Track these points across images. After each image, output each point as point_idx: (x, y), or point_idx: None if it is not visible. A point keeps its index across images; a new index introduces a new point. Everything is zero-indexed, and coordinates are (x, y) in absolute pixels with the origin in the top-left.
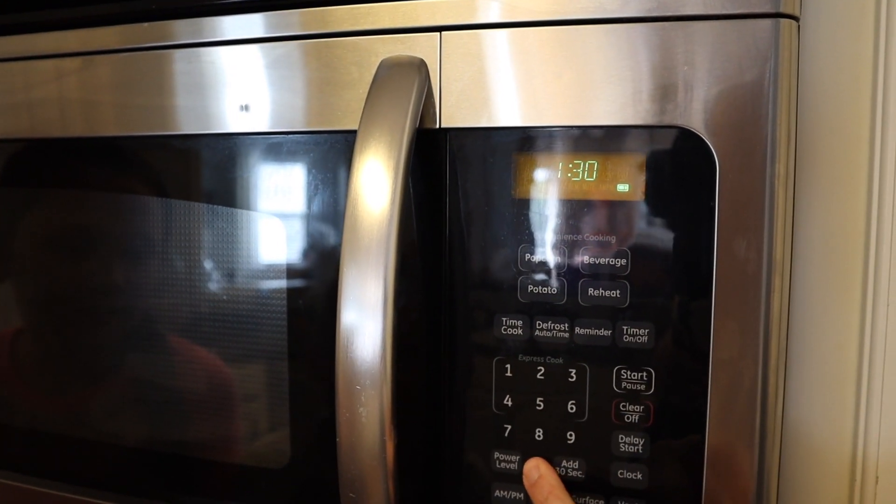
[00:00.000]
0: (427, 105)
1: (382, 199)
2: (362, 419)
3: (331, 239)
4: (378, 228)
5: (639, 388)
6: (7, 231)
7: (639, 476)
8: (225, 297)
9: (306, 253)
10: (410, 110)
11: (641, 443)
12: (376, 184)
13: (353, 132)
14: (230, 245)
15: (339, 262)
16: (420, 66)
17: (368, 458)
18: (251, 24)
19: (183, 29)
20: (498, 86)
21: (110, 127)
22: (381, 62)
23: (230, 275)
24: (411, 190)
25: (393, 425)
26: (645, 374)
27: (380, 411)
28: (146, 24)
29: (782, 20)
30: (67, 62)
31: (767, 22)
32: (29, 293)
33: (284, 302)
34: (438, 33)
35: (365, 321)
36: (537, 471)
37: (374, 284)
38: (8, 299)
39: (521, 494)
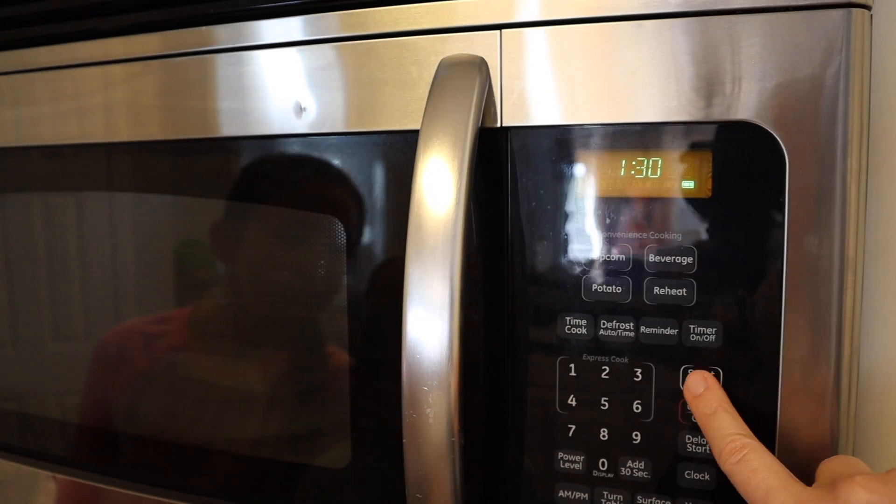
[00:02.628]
0: (488, 104)
1: (447, 198)
2: (429, 420)
3: (391, 238)
4: (443, 228)
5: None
6: (65, 235)
7: (706, 477)
8: (285, 298)
9: (366, 253)
10: (473, 109)
11: (707, 443)
12: (440, 183)
13: (413, 132)
14: (289, 246)
15: (403, 263)
16: (481, 65)
17: (436, 459)
18: (310, 25)
19: (237, 33)
20: (560, 83)
21: (167, 131)
22: (441, 61)
23: (290, 276)
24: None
25: (460, 426)
26: (712, 373)
27: (447, 412)
28: (216, 28)
29: (854, 10)
30: (117, 68)
31: (838, 12)
32: (88, 296)
33: (345, 302)
34: (498, 31)
35: (431, 322)
36: (704, 383)
37: (440, 285)
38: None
39: (586, 495)
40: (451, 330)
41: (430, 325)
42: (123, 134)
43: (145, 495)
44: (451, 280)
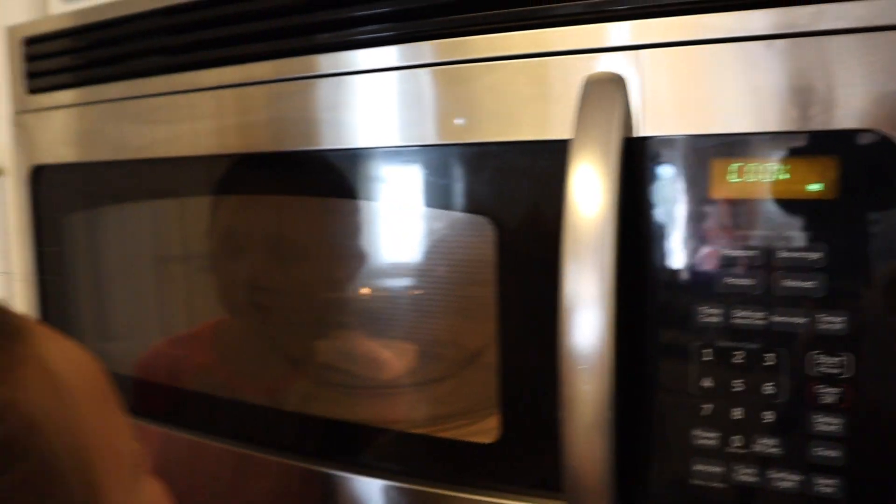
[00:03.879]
0: (627, 116)
1: (599, 202)
2: (586, 396)
3: (535, 234)
4: (595, 229)
5: (835, 371)
6: (216, 233)
7: (836, 454)
8: (442, 289)
9: (514, 248)
10: (618, 122)
11: (838, 423)
12: (592, 188)
13: (556, 141)
14: (443, 242)
15: (547, 256)
16: (621, 81)
17: (591, 432)
18: (477, 46)
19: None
20: (692, 97)
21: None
22: (587, 78)
23: (445, 268)
24: None
25: (613, 402)
26: (842, 358)
27: (601, 389)
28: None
29: None
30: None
31: None
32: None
33: (495, 292)
34: (636, 51)
35: (588, 312)
36: None
37: (595, 279)
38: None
39: (719, 469)
40: (605, 318)
41: (586, 315)
42: (289, 145)
43: (308, 465)
44: (605, 274)
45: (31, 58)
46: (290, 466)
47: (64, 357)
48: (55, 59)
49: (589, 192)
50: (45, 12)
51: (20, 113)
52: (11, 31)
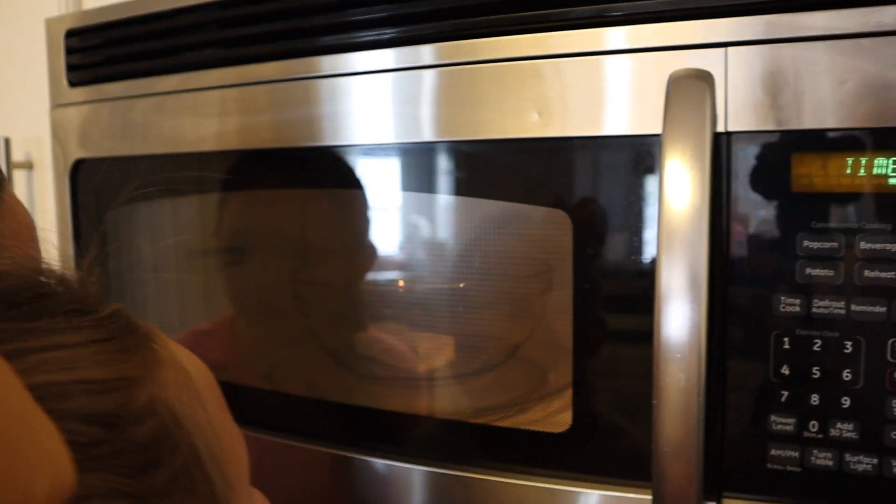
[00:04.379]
0: (714, 112)
1: (691, 197)
2: (681, 384)
3: (615, 227)
4: (689, 223)
5: None
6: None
7: None
8: (517, 279)
9: (589, 241)
10: (708, 117)
11: None
12: (684, 183)
13: (641, 136)
14: (517, 235)
15: (628, 249)
16: (709, 78)
17: (685, 417)
18: (560, 42)
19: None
20: (777, 94)
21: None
22: (674, 74)
23: (520, 260)
24: None
25: (705, 388)
26: None
27: (694, 378)
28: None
29: None
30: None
31: None
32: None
33: (571, 283)
34: (724, 49)
35: (682, 302)
36: None
37: (689, 271)
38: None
39: (797, 453)
40: (700, 309)
41: (680, 306)
42: (350, 139)
43: (381, 460)
44: (699, 267)
45: (70, 51)
46: (343, 457)
47: (189, 361)
48: (97, 52)
49: (682, 187)
50: (80, 5)
51: (60, 106)
52: (51, 23)
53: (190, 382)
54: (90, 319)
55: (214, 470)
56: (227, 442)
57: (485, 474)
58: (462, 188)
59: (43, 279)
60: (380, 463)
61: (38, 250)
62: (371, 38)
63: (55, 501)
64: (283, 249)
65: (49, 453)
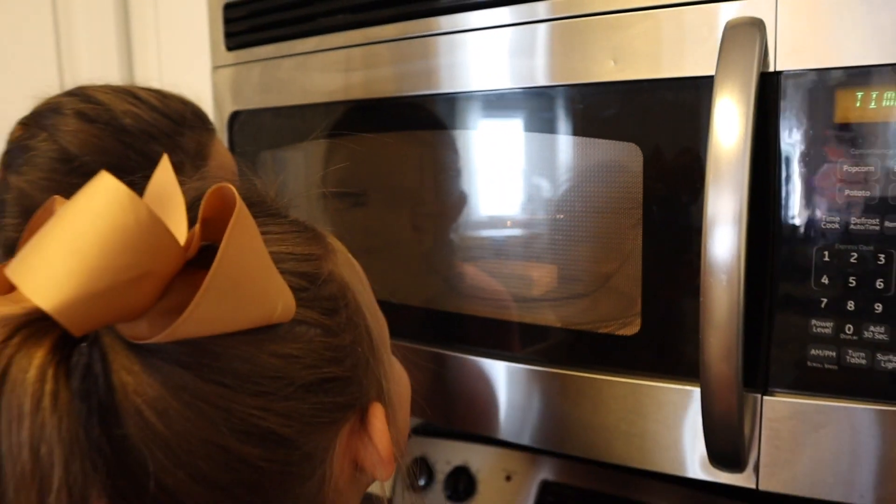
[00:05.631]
0: (764, 54)
1: (737, 132)
2: (722, 300)
3: (678, 158)
4: (735, 156)
5: None
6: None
7: None
8: (594, 207)
9: (660, 172)
10: (756, 59)
11: None
12: (731, 120)
13: (702, 77)
14: (599, 167)
15: (688, 179)
16: (760, 24)
17: (725, 330)
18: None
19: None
20: (822, 35)
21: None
22: (728, 22)
23: (598, 187)
24: None
25: (744, 302)
26: None
27: (734, 294)
28: None
29: None
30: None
31: None
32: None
33: (640, 209)
34: None
35: (726, 229)
36: None
37: (733, 201)
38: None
39: (833, 353)
40: (740, 234)
41: (725, 231)
42: (464, 86)
43: (484, 359)
44: (742, 197)
45: (228, 20)
46: (449, 356)
47: (341, 246)
48: (249, 21)
49: (729, 124)
50: None
51: (218, 68)
52: None
53: (352, 264)
54: (285, 220)
55: (368, 326)
56: (373, 310)
57: (569, 370)
58: (553, 127)
59: (260, 192)
60: (479, 361)
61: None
62: None
63: (284, 319)
64: (403, 188)
65: (283, 287)
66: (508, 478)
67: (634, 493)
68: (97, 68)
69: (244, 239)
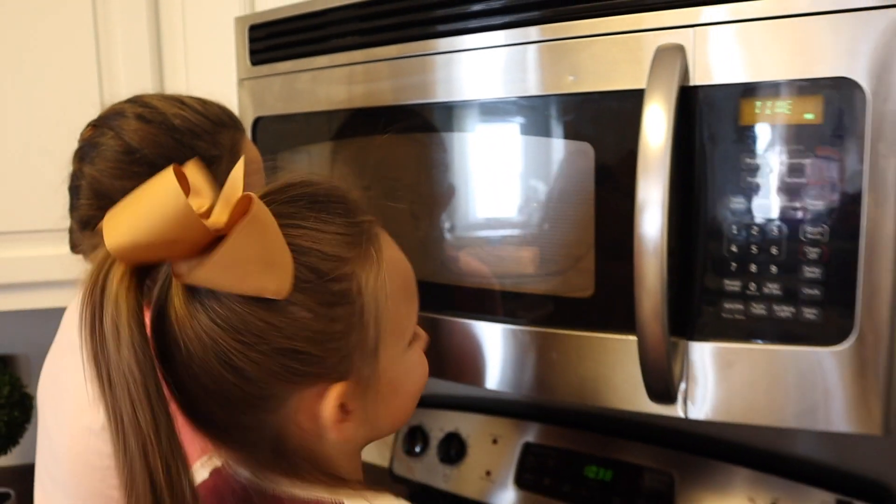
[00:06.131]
0: (685, 72)
1: (661, 132)
2: (652, 267)
3: (617, 153)
4: (660, 152)
5: (818, 238)
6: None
7: (817, 293)
8: (552, 192)
9: (608, 166)
10: (677, 76)
11: (819, 272)
12: (657, 122)
13: (640, 90)
14: (555, 163)
15: (628, 171)
16: (681, 49)
17: (655, 289)
18: (584, 27)
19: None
20: (731, 58)
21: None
22: (657, 47)
23: (554, 176)
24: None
25: (667, 269)
26: (820, 229)
27: (662, 262)
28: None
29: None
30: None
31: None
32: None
33: (592, 195)
34: (692, 28)
35: (652, 210)
36: None
37: (657, 188)
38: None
39: (741, 305)
40: (664, 216)
41: (652, 213)
42: (446, 97)
43: (469, 321)
44: (664, 186)
45: (252, 40)
46: (441, 319)
47: (391, 258)
48: (270, 40)
49: (655, 127)
50: (253, 7)
51: (244, 80)
52: (239, 21)
53: (380, 274)
54: (346, 221)
55: (373, 324)
56: (394, 316)
57: (536, 328)
58: (526, 130)
59: (339, 192)
60: (464, 322)
61: (262, 179)
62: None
63: (279, 295)
64: (401, 181)
65: (283, 273)
66: (495, 441)
67: (606, 452)
68: (133, 83)
69: (249, 233)
